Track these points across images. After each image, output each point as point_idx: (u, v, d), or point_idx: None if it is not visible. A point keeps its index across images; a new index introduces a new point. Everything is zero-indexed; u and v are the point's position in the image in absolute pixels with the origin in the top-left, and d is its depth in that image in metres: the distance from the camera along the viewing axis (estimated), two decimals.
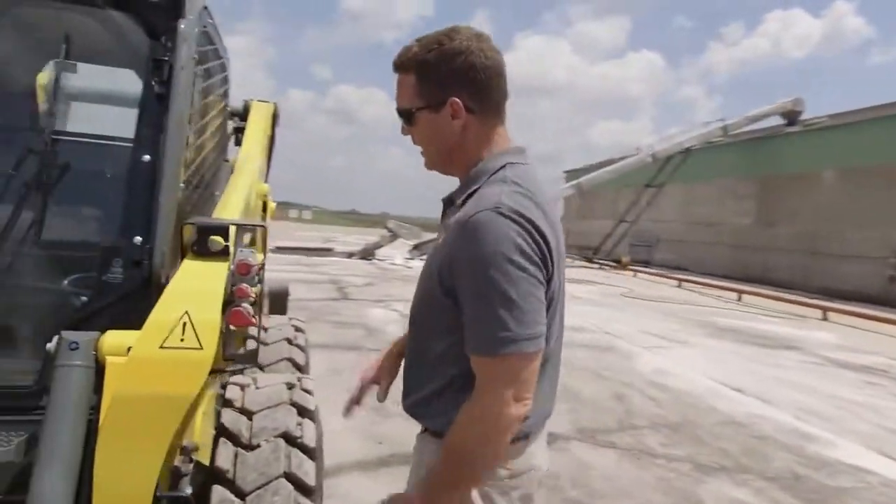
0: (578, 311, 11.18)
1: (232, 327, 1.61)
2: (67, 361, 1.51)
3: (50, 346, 1.53)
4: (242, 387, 2.11)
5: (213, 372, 1.60)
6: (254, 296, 1.64)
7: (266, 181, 3.73)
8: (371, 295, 11.19)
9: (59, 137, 1.79)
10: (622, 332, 9.44)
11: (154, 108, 1.79)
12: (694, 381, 6.69)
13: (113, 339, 1.55)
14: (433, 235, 23.43)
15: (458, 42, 1.22)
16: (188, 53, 1.89)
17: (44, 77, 2.70)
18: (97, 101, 2.82)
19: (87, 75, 2.65)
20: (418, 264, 19.05)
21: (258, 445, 1.85)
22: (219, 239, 1.67)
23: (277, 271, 13.64)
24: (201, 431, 2.02)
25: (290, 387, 2.12)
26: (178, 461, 1.96)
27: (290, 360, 2.96)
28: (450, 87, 1.22)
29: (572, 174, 30.92)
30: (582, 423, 4.95)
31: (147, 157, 1.76)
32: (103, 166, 1.87)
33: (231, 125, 3.62)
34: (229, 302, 1.62)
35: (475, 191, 1.22)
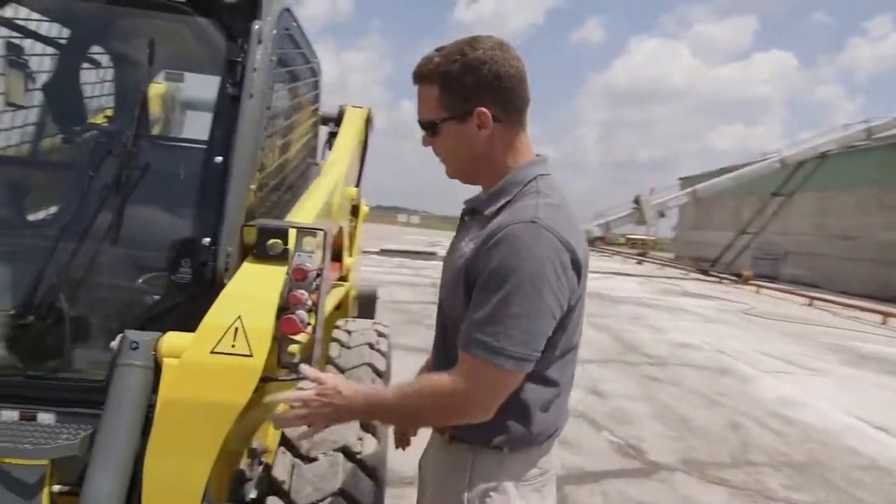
0: (689, 327, 10.40)
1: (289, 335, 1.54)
2: (127, 360, 1.51)
3: (114, 343, 1.54)
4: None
5: (266, 380, 1.54)
6: (310, 303, 1.56)
7: (358, 185, 3.74)
8: None
9: (140, 140, 1.82)
10: (741, 353, 8.62)
11: (227, 109, 1.77)
12: (826, 414, 5.91)
13: (171, 340, 1.54)
14: None
15: (482, 52, 1.21)
16: (264, 55, 1.87)
17: (159, 87, 2.86)
18: (190, 108, 2.95)
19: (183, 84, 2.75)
20: None
21: (316, 458, 1.77)
22: (277, 242, 1.61)
23: (381, 274, 13.99)
24: (276, 434, 1.98)
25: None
26: (244, 464, 1.94)
27: (371, 365, 2.88)
28: (475, 97, 1.23)
29: (687, 181, 29.08)
30: (690, 453, 4.50)
31: (219, 159, 1.75)
32: (181, 168, 1.89)
33: (325, 130, 3.65)
34: (285, 308, 1.55)
35: (508, 202, 1.24)
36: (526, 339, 1.13)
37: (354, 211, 3.64)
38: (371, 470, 1.79)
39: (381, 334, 3.20)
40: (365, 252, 18.11)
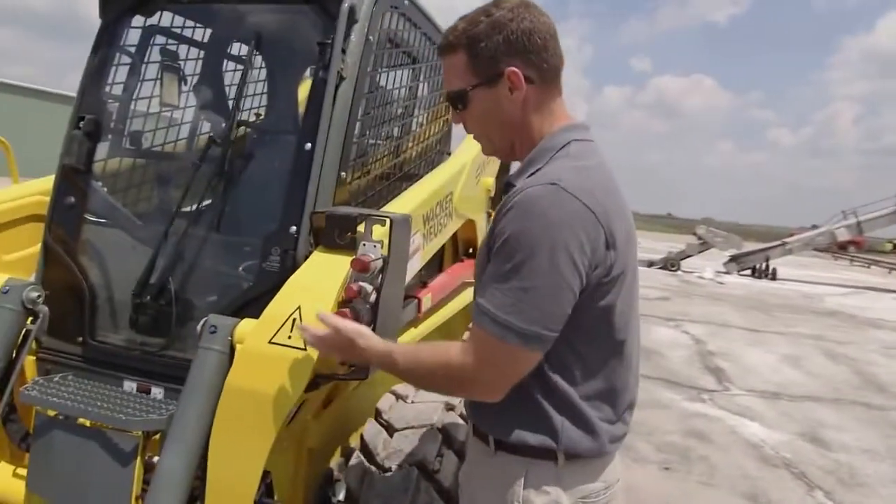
0: None
1: None
2: (206, 344, 1.55)
3: (199, 326, 1.59)
4: (399, 397, 1.93)
5: (325, 377, 1.46)
6: (373, 297, 1.43)
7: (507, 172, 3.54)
8: (662, 311, 10.17)
9: (242, 128, 1.89)
10: None
11: (317, 93, 1.74)
12: None
13: (245, 327, 1.54)
14: (758, 245, 20.22)
15: (507, 10, 1.16)
16: (358, 35, 1.80)
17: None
18: None
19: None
20: (733, 280, 16.71)
21: (389, 469, 1.65)
22: (346, 230, 1.51)
23: None
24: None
25: (450, 408, 1.86)
26: (335, 463, 1.90)
27: None
28: (505, 57, 1.16)
29: None
30: None
31: (308, 146, 1.72)
32: (277, 156, 1.92)
33: None
34: (348, 301, 1.45)
35: (537, 171, 1.14)
36: (537, 316, 1.04)
37: (496, 203, 3.46)
38: (446, 492, 1.61)
39: None
40: None
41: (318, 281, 1.48)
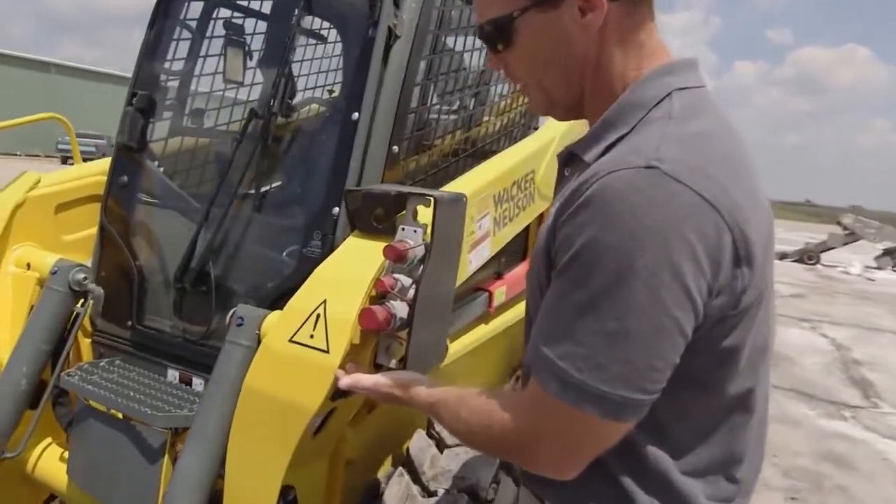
0: None
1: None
2: (232, 338, 1.40)
3: (227, 318, 1.45)
4: None
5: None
6: (411, 291, 1.20)
7: None
8: (796, 310, 9.03)
9: (298, 104, 1.72)
10: None
11: (365, 54, 1.52)
12: None
13: (273, 319, 1.37)
14: None
15: None
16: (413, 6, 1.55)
17: None
18: None
19: None
20: (886, 276, 14.67)
21: (435, 492, 1.42)
22: (384, 211, 1.29)
23: None
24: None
25: None
26: (383, 474, 1.70)
27: None
28: None
29: None
30: None
31: (355, 116, 1.52)
32: (322, 131, 1.73)
33: None
34: (383, 296, 1.23)
35: (621, 138, 0.79)
36: (628, 374, 0.70)
37: None
38: None
39: None
40: None
41: (349, 271, 1.27)
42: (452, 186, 1.66)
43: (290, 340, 1.23)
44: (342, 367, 1.17)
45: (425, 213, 1.28)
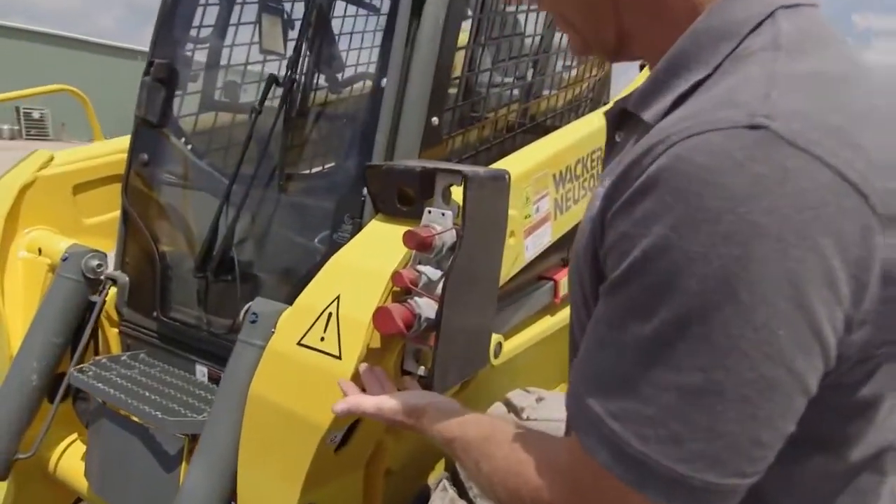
0: None
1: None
2: (245, 337, 1.24)
3: (241, 313, 1.29)
4: (512, 409, 1.45)
5: None
6: (435, 288, 0.99)
7: None
8: None
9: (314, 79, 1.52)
10: None
11: (396, 10, 1.31)
12: None
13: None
14: None
15: None
16: None
17: None
18: None
19: None
20: None
21: None
22: (409, 191, 1.07)
23: None
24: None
25: None
26: (433, 480, 1.49)
27: None
28: None
29: None
30: None
31: (384, 82, 1.31)
32: (357, 105, 1.53)
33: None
34: (408, 292, 1.02)
35: (699, 84, 0.53)
36: (719, 452, 0.46)
37: None
38: None
39: None
40: None
41: (367, 262, 1.06)
42: (504, 164, 1.42)
43: (299, 343, 1.04)
44: (356, 374, 0.97)
45: (457, 194, 1.06)
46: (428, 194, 1.07)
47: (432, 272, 0.99)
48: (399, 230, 1.08)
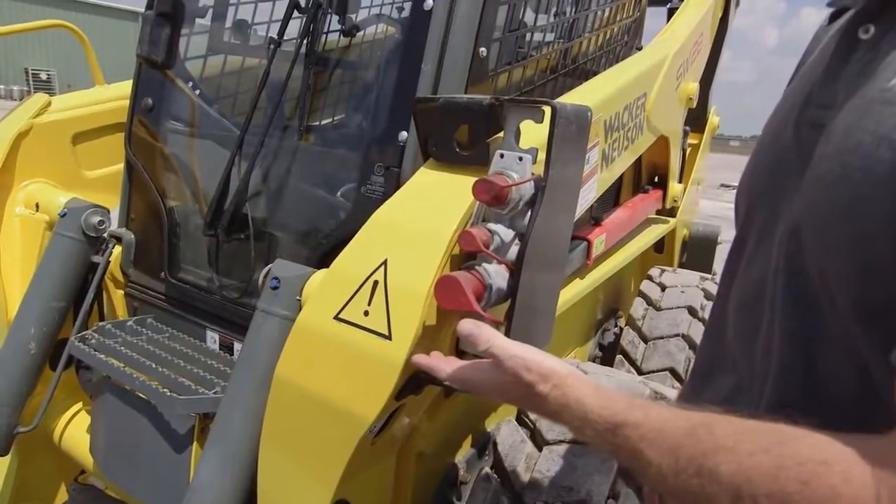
0: None
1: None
2: (265, 306, 0.97)
3: (260, 278, 1.02)
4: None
5: (432, 382, 0.79)
6: (514, 250, 0.72)
7: (707, 83, 2.46)
8: None
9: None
10: None
11: None
12: None
13: (318, 282, 0.92)
14: None
15: None
16: None
17: None
18: None
19: None
20: None
21: None
22: (468, 131, 0.79)
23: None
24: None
25: (659, 397, 1.11)
26: (462, 458, 1.26)
27: (686, 337, 1.91)
28: None
29: None
30: None
31: (428, 4, 1.00)
32: (392, 35, 1.22)
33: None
34: (472, 255, 0.75)
35: None
36: None
37: (697, 120, 2.44)
38: None
39: (711, 295, 2.09)
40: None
41: (420, 219, 0.79)
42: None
43: (336, 318, 0.78)
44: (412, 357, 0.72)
45: (533, 135, 0.78)
46: (492, 133, 0.79)
47: (504, 232, 0.73)
48: (459, 180, 0.81)
